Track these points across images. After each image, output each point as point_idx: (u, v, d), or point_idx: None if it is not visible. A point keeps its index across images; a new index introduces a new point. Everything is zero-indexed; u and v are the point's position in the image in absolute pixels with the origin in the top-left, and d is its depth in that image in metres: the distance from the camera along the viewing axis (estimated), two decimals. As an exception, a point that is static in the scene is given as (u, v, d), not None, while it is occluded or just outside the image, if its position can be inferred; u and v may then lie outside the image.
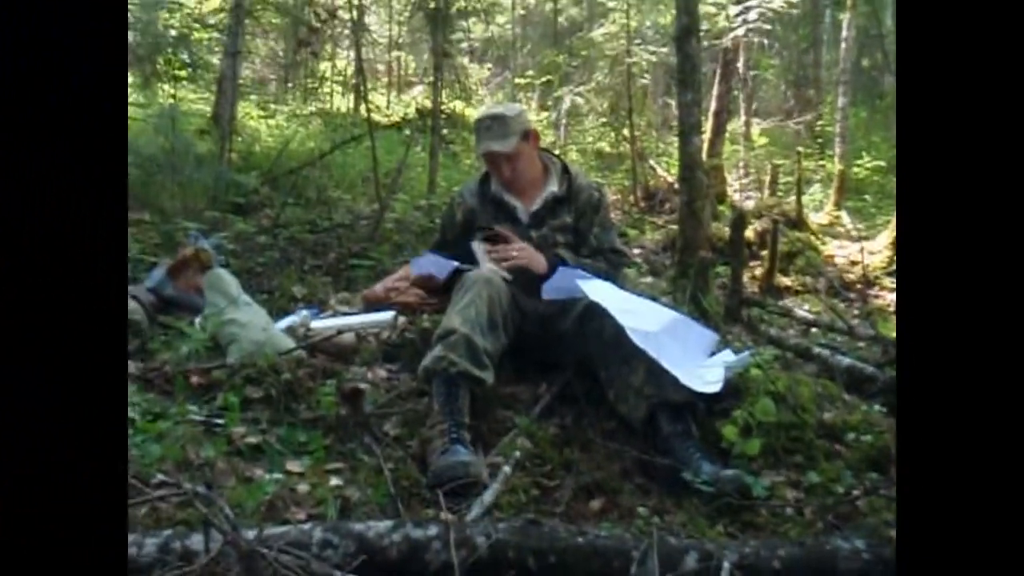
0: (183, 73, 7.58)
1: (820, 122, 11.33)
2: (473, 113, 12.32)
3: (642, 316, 2.27)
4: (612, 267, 2.69)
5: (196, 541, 1.26)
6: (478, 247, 2.56)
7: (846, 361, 2.73)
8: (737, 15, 7.76)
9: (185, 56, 6.68)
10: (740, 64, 9.16)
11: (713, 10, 8.31)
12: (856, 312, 5.09)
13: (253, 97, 11.11)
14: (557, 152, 3.66)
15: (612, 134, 10.54)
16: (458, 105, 11.45)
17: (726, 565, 1.37)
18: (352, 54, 11.92)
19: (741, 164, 9.80)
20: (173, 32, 7.55)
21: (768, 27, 8.32)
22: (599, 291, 2.31)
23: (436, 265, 2.61)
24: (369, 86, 8.80)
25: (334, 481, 1.90)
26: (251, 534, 1.22)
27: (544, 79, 11.57)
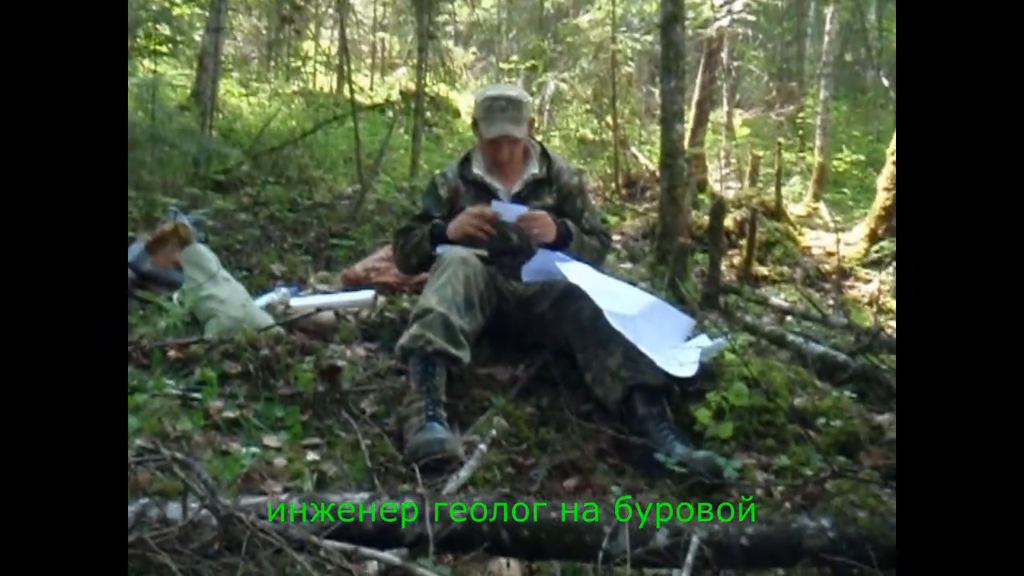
0: (164, 48, 7.49)
1: (801, 114, 11.40)
2: (457, 97, 12.31)
3: (620, 299, 2.29)
4: (604, 247, 2.76)
5: (173, 509, 1.27)
6: (502, 207, 2.51)
7: (819, 349, 2.77)
8: (722, 5, 7.79)
9: (167, 31, 6.59)
10: (724, 54, 9.19)
11: (698, 0, 8.33)
12: (831, 302, 5.16)
13: (235, 74, 11.00)
14: (540, 138, 3.67)
15: (595, 121, 10.55)
16: (442, 88, 11.42)
17: (695, 540, 1.40)
18: (336, 34, 11.83)
19: (722, 154, 9.86)
20: (154, 6, 7.44)
21: (753, 18, 8.35)
22: (578, 274, 2.33)
23: (506, 210, 2.53)
24: (352, 67, 8.73)
25: (311, 456, 1.92)
26: (228, 502, 1.24)
27: (528, 64, 11.55)
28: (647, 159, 8.82)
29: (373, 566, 1.37)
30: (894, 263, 5.97)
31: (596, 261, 2.67)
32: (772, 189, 7.33)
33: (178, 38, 7.35)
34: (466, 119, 10.58)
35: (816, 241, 6.85)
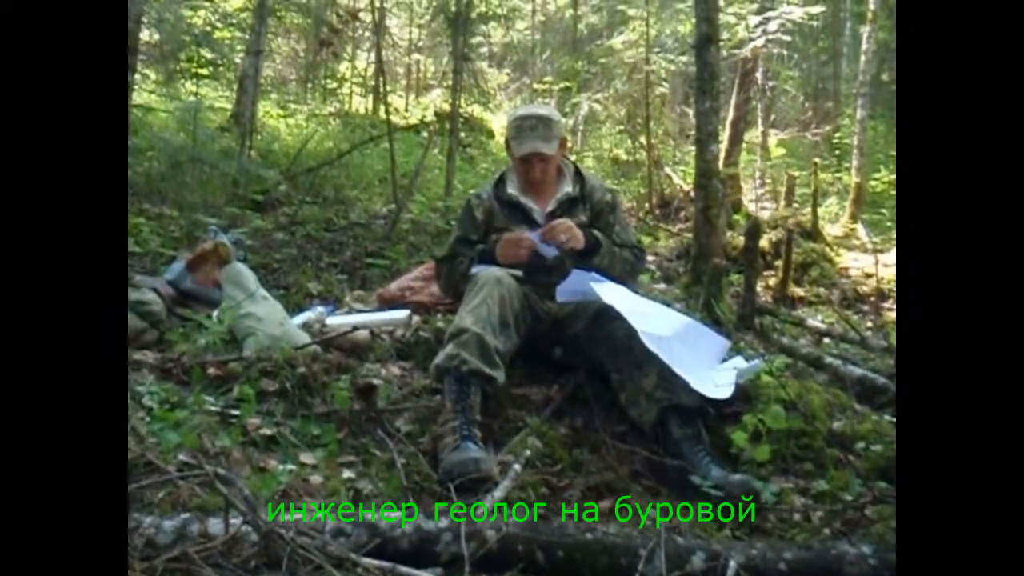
0: (205, 71, 7.67)
1: (838, 134, 11.30)
2: (491, 117, 12.39)
3: (655, 320, 2.29)
4: (637, 260, 2.72)
5: (214, 524, 1.29)
6: (538, 242, 2.52)
7: (858, 371, 2.73)
8: (757, 25, 7.76)
9: (208, 54, 6.75)
10: (759, 74, 9.14)
11: (733, 20, 8.31)
12: (869, 324, 5.08)
13: (273, 96, 11.20)
14: (574, 158, 3.68)
15: (629, 141, 10.55)
16: (476, 109, 11.51)
17: (732, 564, 1.39)
18: (372, 56, 12.00)
19: (757, 174, 9.79)
20: (196, 30, 7.63)
21: (788, 38, 8.31)
22: (612, 294, 2.33)
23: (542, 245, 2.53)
24: (388, 88, 8.85)
25: (347, 474, 1.93)
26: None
27: (562, 85, 11.61)
28: (681, 179, 8.79)
29: (409, 584, 1.37)
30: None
31: (628, 273, 2.66)
32: (808, 209, 7.25)
33: (219, 61, 7.52)
34: (500, 139, 10.64)
35: (854, 262, 6.75)
